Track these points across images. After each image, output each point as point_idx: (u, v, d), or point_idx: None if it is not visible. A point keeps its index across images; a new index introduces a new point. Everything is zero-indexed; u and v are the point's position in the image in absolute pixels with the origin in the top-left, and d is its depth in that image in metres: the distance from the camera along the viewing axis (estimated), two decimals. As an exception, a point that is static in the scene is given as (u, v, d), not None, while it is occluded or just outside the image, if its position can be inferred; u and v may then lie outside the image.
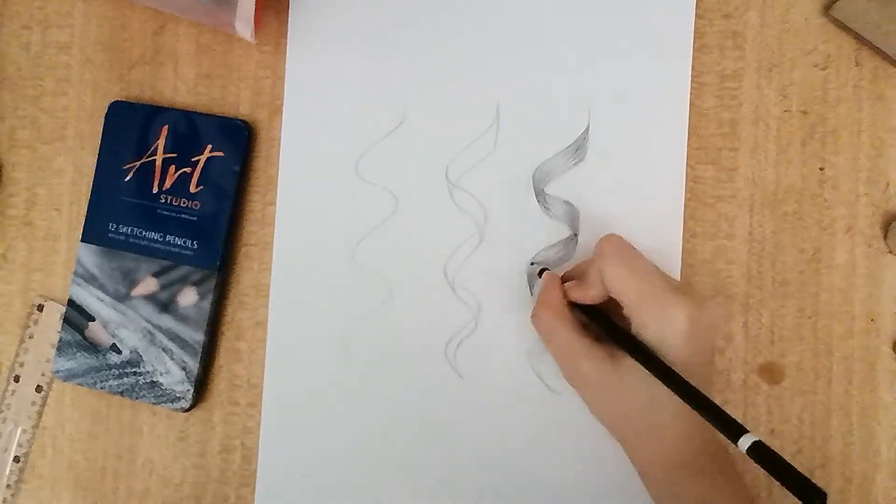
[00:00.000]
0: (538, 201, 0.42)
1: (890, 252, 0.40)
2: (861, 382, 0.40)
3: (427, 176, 0.43)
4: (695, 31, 0.41)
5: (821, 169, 0.41)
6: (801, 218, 0.41)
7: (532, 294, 0.41)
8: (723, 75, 0.41)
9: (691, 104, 0.41)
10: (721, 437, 0.35)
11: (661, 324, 0.34)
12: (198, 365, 0.43)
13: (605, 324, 0.37)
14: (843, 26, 0.40)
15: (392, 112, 0.43)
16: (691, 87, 0.41)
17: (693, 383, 0.32)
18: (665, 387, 0.33)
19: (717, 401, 0.40)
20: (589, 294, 0.37)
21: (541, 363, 0.41)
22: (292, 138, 0.44)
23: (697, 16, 0.41)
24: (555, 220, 0.41)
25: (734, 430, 0.29)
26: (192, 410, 0.44)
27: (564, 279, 0.39)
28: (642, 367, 0.34)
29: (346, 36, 0.43)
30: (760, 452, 0.28)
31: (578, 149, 0.42)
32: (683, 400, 0.32)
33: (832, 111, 0.41)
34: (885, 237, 0.40)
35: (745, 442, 0.28)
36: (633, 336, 0.35)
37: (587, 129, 0.42)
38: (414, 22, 0.43)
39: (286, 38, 0.44)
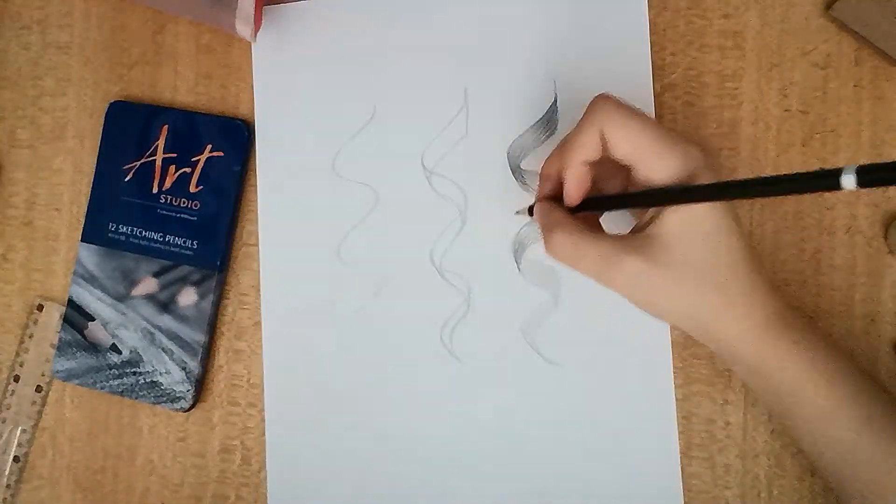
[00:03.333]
0: (515, 178, 0.42)
1: (890, 252, 0.40)
2: (861, 382, 0.40)
3: (403, 166, 0.43)
4: (695, 31, 0.41)
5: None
6: (801, 218, 0.41)
7: (520, 270, 0.41)
8: (723, 75, 0.41)
9: (691, 104, 0.41)
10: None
11: (683, 160, 0.31)
12: (198, 365, 0.43)
13: (624, 198, 0.34)
14: (843, 26, 0.40)
15: (361, 107, 0.43)
16: (691, 88, 0.41)
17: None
18: (726, 232, 0.31)
19: (717, 400, 0.40)
20: (582, 155, 0.33)
21: (536, 336, 0.41)
22: (267, 143, 0.44)
23: (698, 16, 0.41)
24: (533, 193, 0.42)
25: (830, 174, 0.25)
26: (192, 410, 0.44)
27: (544, 176, 0.37)
28: (691, 218, 0.31)
29: (311, 36, 0.44)
30: (868, 172, 0.24)
31: (549, 121, 0.42)
32: (761, 194, 0.29)
33: (832, 111, 0.41)
34: (885, 237, 0.40)
35: (848, 177, 0.24)
36: (665, 187, 0.32)
37: (555, 100, 0.42)
38: (375, 14, 0.43)
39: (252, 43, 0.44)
